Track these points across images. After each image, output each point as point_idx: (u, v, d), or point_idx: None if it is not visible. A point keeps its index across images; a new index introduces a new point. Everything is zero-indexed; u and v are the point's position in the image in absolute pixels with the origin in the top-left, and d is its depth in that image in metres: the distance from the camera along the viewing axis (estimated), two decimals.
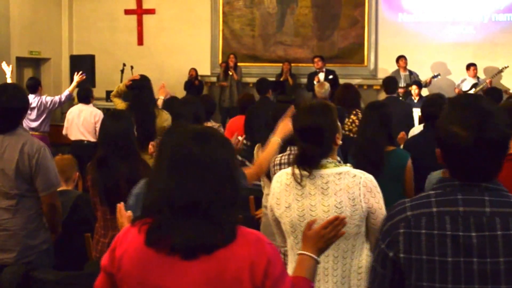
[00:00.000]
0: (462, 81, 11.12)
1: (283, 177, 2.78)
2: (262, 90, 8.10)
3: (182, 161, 1.83)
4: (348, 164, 2.73)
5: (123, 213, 2.58)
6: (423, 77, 10.99)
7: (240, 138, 4.45)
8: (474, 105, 1.84)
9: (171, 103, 5.81)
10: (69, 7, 14.17)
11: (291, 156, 3.52)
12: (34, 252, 3.66)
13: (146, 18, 13.85)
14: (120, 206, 2.63)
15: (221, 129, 6.18)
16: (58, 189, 4.31)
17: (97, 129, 7.97)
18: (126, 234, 1.90)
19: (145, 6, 13.83)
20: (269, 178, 4.39)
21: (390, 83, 8.22)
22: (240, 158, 5.48)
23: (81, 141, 8.15)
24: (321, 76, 11.24)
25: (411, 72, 11.05)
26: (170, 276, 1.81)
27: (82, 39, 14.14)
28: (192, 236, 1.77)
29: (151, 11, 13.79)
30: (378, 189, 2.67)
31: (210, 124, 6.05)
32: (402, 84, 10.60)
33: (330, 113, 2.72)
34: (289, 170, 2.78)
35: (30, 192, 3.63)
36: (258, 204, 4.81)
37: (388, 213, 1.93)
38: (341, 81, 10.96)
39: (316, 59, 11.44)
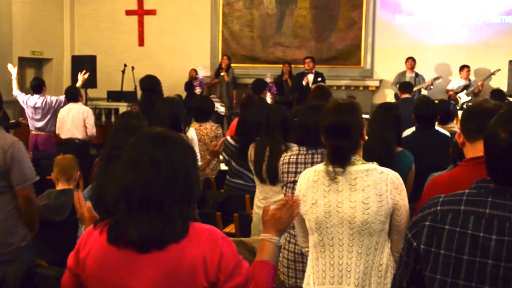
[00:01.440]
0: (454, 83, 11.19)
1: (311, 173, 2.83)
2: (258, 90, 8.14)
3: (138, 159, 1.92)
4: (374, 162, 2.78)
5: (83, 203, 2.52)
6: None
7: (219, 142, 4.49)
8: None
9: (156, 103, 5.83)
10: (70, 8, 14.19)
11: (300, 156, 3.58)
12: (12, 250, 3.64)
13: (147, 19, 13.88)
14: (79, 194, 2.56)
15: (220, 129, 6.22)
16: (60, 188, 4.41)
17: (87, 125, 8.06)
18: (89, 236, 1.99)
19: (146, 7, 13.87)
20: (272, 177, 4.47)
21: (403, 84, 8.35)
22: (226, 157, 5.54)
23: (72, 139, 8.18)
24: (310, 77, 11.21)
25: (417, 74, 11.09)
26: (127, 273, 1.90)
27: (83, 39, 14.17)
28: (145, 229, 1.86)
29: (152, 12, 13.83)
30: (404, 186, 2.72)
31: (209, 124, 6.10)
32: None
33: (356, 110, 2.80)
34: (317, 167, 2.83)
35: (6, 188, 3.59)
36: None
37: (422, 206, 1.99)
38: (336, 82, 11.04)
39: (307, 60, 11.37)
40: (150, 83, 5.71)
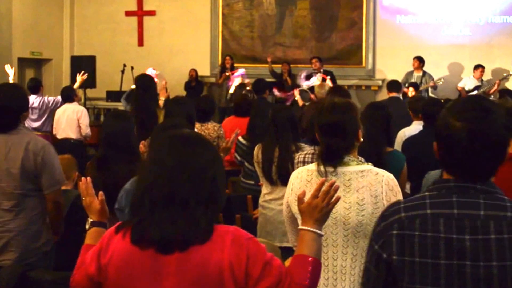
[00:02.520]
0: (465, 82, 11.12)
1: (304, 173, 2.81)
2: (259, 90, 8.14)
3: (164, 158, 1.89)
4: (370, 163, 2.76)
5: (91, 192, 2.40)
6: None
7: (231, 138, 4.44)
8: (474, 101, 1.84)
9: (166, 103, 5.82)
10: (70, 9, 14.19)
11: (315, 155, 3.54)
12: (35, 254, 3.62)
13: (146, 19, 13.87)
14: (88, 180, 2.44)
15: (221, 129, 6.18)
16: None
17: (81, 125, 8.15)
18: (111, 241, 1.92)
19: (146, 7, 13.86)
20: (283, 178, 4.39)
21: (391, 82, 8.31)
22: (239, 158, 5.50)
23: (67, 139, 8.23)
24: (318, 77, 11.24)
25: (424, 73, 11.03)
26: (150, 277, 1.84)
27: (83, 40, 14.16)
28: (168, 228, 1.80)
29: (151, 13, 13.81)
30: (399, 188, 2.71)
31: (210, 124, 6.06)
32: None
33: (352, 110, 2.79)
34: (310, 166, 2.82)
35: (34, 191, 3.59)
36: (256, 204, 4.83)
37: (382, 214, 1.90)
38: (339, 82, 10.99)
39: (314, 60, 11.41)
40: (146, 82, 5.67)
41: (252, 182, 5.37)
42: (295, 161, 3.69)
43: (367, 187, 2.64)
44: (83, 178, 2.49)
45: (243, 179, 5.50)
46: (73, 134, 8.25)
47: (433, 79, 10.93)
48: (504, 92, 8.91)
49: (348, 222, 2.65)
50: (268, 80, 10.24)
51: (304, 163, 3.57)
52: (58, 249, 4.11)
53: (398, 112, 5.28)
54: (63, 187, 4.34)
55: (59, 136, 8.34)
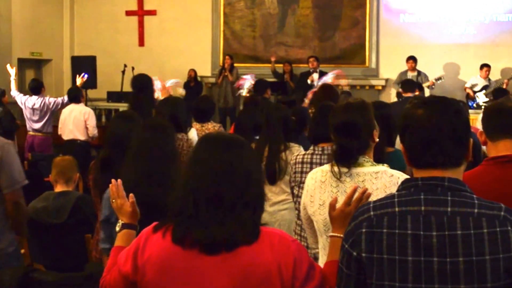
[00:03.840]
0: (473, 82, 11.07)
1: (318, 174, 2.78)
2: (260, 90, 8.13)
3: (205, 161, 1.88)
4: (385, 164, 2.73)
5: (122, 194, 2.40)
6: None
7: None
8: (436, 96, 1.94)
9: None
10: (70, 9, 14.17)
11: (315, 156, 3.52)
12: (2, 257, 3.48)
13: (147, 19, 13.85)
14: (118, 183, 2.44)
15: (222, 129, 6.16)
16: (59, 190, 4.33)
17: (88, 126, 8.14)
18: (149, 240, 1.90)
19: (146, 7, 13.84)
20: (270, 177, 4.38)
21: (405, 83, 8.27)
22: None
23: (74, 140, 8.21)
24: (315, 76, 11.16)
25: (419, 73, 11.02)
26: (194, 278, 1.83)
27: (83, 40, 14.14)
28: (215, 229, 1.79)
29: (152, 12, 13.79)
30: None
31: (210, 124, 6.03)
32: None
33: (366, 110, 2.76)
34: (324, 167, 2.79)
35: None
36: None
37: (353, 214, 1.95)
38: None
39: (311, 59, 11.43)
40: (141, 82, 5.63)
41: None
42: (292, 162, 3.66)
43: (382, 189, 2.60)
44: (113, 180, 2.46)
45: None
46: (81, 136, 8.22)
47: (428, 78, 10.88)
48: (499, 90, 8.85)
49: None
50: (269, 80, 10.24)
51: (302, 163, 3.56)
52: (59, 250, 4.09)
53: None
54: (65, 189, 4.33)
55: (65, 137, 8.31)
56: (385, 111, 4.23)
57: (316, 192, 2.75)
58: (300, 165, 3.58)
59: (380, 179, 2.63)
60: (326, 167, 2.77)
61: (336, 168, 2.67)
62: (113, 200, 2.43)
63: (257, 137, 5.12)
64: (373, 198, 2.55)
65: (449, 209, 1.79)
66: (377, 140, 2.78)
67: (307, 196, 2.80)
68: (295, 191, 3.61)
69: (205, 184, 1.84)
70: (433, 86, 10.81)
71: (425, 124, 1.83)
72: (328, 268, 2.03)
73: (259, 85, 8.35)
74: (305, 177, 3.48)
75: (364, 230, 1.84)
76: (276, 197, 4.33)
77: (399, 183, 2.54)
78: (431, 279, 1.76)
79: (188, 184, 1.87)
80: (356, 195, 2.16)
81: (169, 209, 1.91)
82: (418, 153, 1.86)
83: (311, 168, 3.47)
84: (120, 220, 2.40)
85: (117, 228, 2.39)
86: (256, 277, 1.80)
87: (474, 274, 1.74)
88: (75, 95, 8.37)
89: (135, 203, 2.37)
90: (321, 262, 2.75)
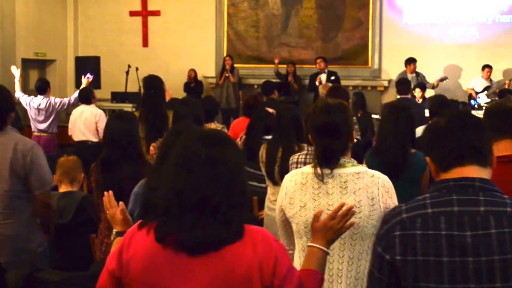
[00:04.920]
0: (475, 83, 11.08)
1: (298, 176, 2.77)
2: (268, 92, 8.17)
3: (191, 160, 1.86)
4: (363, 164, 2.75)
5: (114, 204, 2.47)
6: (430, 78, 10.96)
7: (239, 141, 4.46)
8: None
9: (173, 104, 5.80)
10: (74, 9, 14.19)
11: (308, 156, 3.53)
12: (29, 256, 3.58)
13: (151, 19, 13.86)
14: (110, 194, 2.50)
15: (225, 130, 6.17)
16: (63, 190, 4.35)
17: (99, 129, 8.07)
18: (133, 238, 1.91)
19: (150, 7, 13.85)
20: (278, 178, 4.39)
21: (403, 84, 8.27)
22: None
23: (85, 141, 8.19)
24: (323, 77, 11.26)
25: (418, 74, 11.02)
26: (177, 277, 1.83)
27: (87, 40, 14.16)
28: (200, 232, 1.79)
29: (156, 13, 13.80)
30: (394, 190, 2.69)
31: (213, 125, 6.03)
32: None
33: (346, 111, 2.77)
34: (304, 169, 2.78)
35: (24, 193, 3.54)
36: (262, 205, 4.82)
37: (384, 217, 1.96)
38: (344, 82, 11.01)
39: (318, 60, 11.47)
40: (155, 82, 5.64)
41: (255, 183, 5.36)
42: (289, 162, 3.67)
43: (364, 189, 2.62)
44: (105, 193, 2.52)
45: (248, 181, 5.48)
46: (92, 137, 8.19)
47: (425, 79, 10.88)
48: (505, 91, 8.88)
49: None
50: (273, 81, 10.26)
51: (297, 163, 3.58)
52: (64, 250, 4.11)
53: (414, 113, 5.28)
54: (69, 189, 4.36)
55: (76, 138, 8.29)
56: (410, 112, 4.23)
57: (296, 194, 2.73)
58: (295, 165, 3.60)
59: (362, 179, 2.63)
60: (306, 168, 2.77)
61: (319, 170, 2.67)
62: (107, 211, 2.49)
63: (265, 137, 5.16)
64: (355, 198, 2.61)
65: (482, 208, 1.81)
66: (355, 140, 2.80)
67: (286, 198, 2.77)
68: None
69: (190, 187, 1.83)
70: (437, 86, 10.82)
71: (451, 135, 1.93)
72: (307, 276, 2.05)
73: (266, 86, 8.38)
74: None
75: (397, 233, 1.86)
76: None
77: (380, 183, 2.62)
78: (467, 278, 1.78)
79: (173, 187, 1.86)
80: (342, 211, 2.20)
81: (155, 207, 1.92)
82: (447, 157, 1.91)
83: None
84: (114, 229, 2.46)
85: (112, 238, 2.44)
86: (237, 275, 1.81)
87: (510, 272, 1.76)
88: (86, 96, 8.36)
89: (124, 210, 2.42)
90: (299, 264, 2.74)
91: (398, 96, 8.49)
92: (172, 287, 1.84)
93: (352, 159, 2.74)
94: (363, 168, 2.70)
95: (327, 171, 2.66)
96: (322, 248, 2.16)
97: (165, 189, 1.89)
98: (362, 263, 2.64)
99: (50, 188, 3.66)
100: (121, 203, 2.42)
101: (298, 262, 2.77)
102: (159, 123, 5.14)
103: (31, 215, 3.62)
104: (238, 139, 4.81)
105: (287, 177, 2.84)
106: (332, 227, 2.18)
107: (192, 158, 1.86)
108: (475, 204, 1.83)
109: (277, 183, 4.43)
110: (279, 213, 2.85)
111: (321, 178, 2.66)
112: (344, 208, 2.20)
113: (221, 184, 1.83)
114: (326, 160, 2.67)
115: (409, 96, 8.40)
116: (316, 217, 2.22)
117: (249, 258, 1.82)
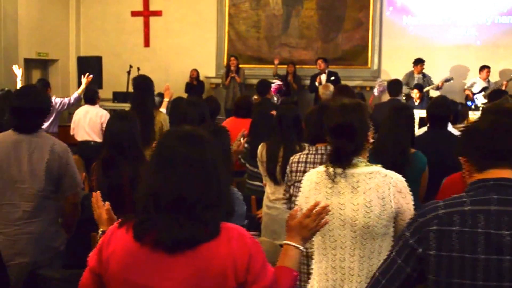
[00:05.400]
0: (472, 83, 11.10)
1: (314, 175, 2.79)
2: (263, 91, 8.18)
3: (168, 160, 1.88)
4: (379, 165, 2.75)
5: (101, 204, 2.50)
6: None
7: (242, 140, 4.50)
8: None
9: (179, 103, 5.83)
10: (76, 9, 14.22)
11: (309, 156, 3.54)
12: (52, 254, 3.67)
13: (152, 20, 13.89)
14: (97, 195, 2.54)
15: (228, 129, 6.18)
16: None
17: (104, 129, 8.07)
18: (113, 235, 1.94)
19: (152, 8, 13.88)
20: (279, 177, 4.44)
21: (394, 84, 8.27)
22: (242, 160, 5.52)
23: (88, 141, 8.16)
24: (323, 77, 11.27)
25: (424, 75, 11.03)
26: (155, 274, 1.85)
27: (89, 40, 14.20)
28: (176, 231, 1.81)
29: (157, 13, 13.83)
30: (409, 190, 2.68)
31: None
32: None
33: (362, 111, 2.75)
34: (320, 168, 2.79)
35: (53, 193, 3.64)
36: (260, 204, 4.85)
37: (419, 211, 1.98)
38: (344, 83, 10.99)
39: (319, 61, 11.47)
40: (144, 83, 5.67)
41: (258, 183, 5.40)
42: (289, 161, 3.69)
43: (375, 189, 2.63)
44: (93, 193, 2.56)
45: (249, 180, 5.52)
46: (96, 137, 8.16)
47: (432, 81, 10.91)
48: (497, 92, 8.87)
49: (355, 224, 2.64)
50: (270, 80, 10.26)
51: (298, 163, 3.59)
52: (66, 247, 4.15)
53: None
54: None
55: (79, 138, 8.28)
56: (410, 112, 4.25)
57: (311, 194, 2.76)
58: (296, 165, 3.62)
59: (373, 179, 2.64)
60: (321, 168, 2.78)
61: (330, 169, 2.69)
62: (94, 211, 2.54)
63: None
64: (366, 197, 2.62)
65: None
66: (372, 141, 2.80)
67: (303, 198, 2.81)
68: (291, 190, 3.64)
69: (166, 187, 1.85)
70: (441, 88, 10.83)
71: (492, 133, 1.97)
72: (281, 273, 2.06)
73: (262, 86, 8.38)
74: (300, 176, 3.52)
75: (433, 228, 1.88)
76: None
77: (392, 183, 2.62)
78: (501, 277, 1.81)
79: (150, 186, 1.88)
80: (317, 209, 2.21)
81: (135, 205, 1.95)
82: (486, 158, 1.95)
83: (305, 167, 3.54)
84: (100, 229, 2.52)
85: (97, 237, 2.49)
86: (212, 271, 1.83)
87: None
88: (92, 96, 8.35)
89: (110, 210, 2.46)
90: (316, 262, 2.80)
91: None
92: (150, 285, 1.86)
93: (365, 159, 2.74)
94: (376, 168, 2.69)
95: (339, 170, 2.68)
96: (297, 246, 2.17)
97: (143, 188, 1.90)
98: (373, 262, 2.65)
99: (80, 189, 3.79)
100: (107, 203, 2.46)
101: (315, 260, 2.81)
102: (147, 124, 5.15)
103: (57, 215, 3.72)
104: (241, 139, 4.83)
105: (305, 177, 2.87)
106: (307, 226, 2.19)
107: (169, 157, 1.88)
108: None
109: (278, 182, 4.46)
110: (298, 212, 2.88)
111: (332, 177, 2.68)
112: (318, 207, 2.21)
113: (197, 184, 1.85)
114: (338, 160, 2.67)
115: (400, 98, 8.37)
116: (292, 215, 2.24)
117: (224, 255, 1.83)
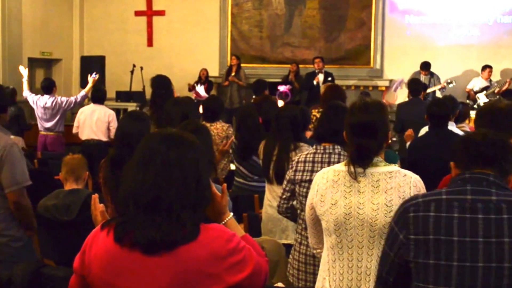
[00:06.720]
0: (475, 83, 11.11)
1: (330, 173, 2.77)
2: (258, 91, 8.20)
3: (149, 160, 1.89)
4: (396, 164, 2.76)
5: (98, 206, 2.50)
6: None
7: (228, 141, 4.51)
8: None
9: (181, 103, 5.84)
10: (80, 9, 14.25)
11: (317, 155, 3.51)
12: (7, 251, 3.62)
13: (155, 19, 13.92)
14: (95, 197, 2.53)
15: (231, 129, 6.19)
16: (68, 188, 4.40)
17: (111, 128, 8.04)
18: (96, 237, 1.95)
19: (155, 7, 13.91)
20: (278, 176, 4.43)
21: (416, 85, 8.27)
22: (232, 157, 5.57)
23: (92, 140, 8.19)
24: (321, 77, 11.26)
25: (432, 75, 11.03)
26: (134, 276, 1.86)
27: (92, 40, 14.23)
28: (153, 232, 1.82)
29: (161, 13, 13.86)
30: (425, 190, 2.66)
31: (219, 124, 6.09)
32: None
33: (384, 111, 2.76)
34: (336, 167, 2.78)
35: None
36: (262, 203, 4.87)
37: (402, 203, 2.18)
38: (346, 82, 11.04)
39: (316, 60, 11.44)
40: (164, 82, 5.68)
41: (241, 180, 5.41)
42: (295, 161, 3.65)
43: (396, 189, 2.62)
44: (92, 196, 2.56)
45: (235, 177, 5.52)
46: (103, 136, 8.20)
47: (440, 81, 10.93)
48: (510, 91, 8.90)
49: (375, 224, 2.62)
50: (275, 80, 10.28)
51: (305, 162, 3.53)
52: (69, 246, 4.16)
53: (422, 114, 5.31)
54: (74, 187, 4.39)
55: (84, 137, 8.29)
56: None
57: (327, 192, 2.73)
58: (302, 164, 3.56)
59: (394, 179, 2.63)
60: (338, 166, 2.77)
61: (352, 168, 2.67)
62: (91, 213, 2.54)
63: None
64: (386, 197, 2.62)
65: (494, 198, 1.98)
66: (390, 141, 2.81)
67: (317, 196, 2.77)
68: (296, 189, 3.57)
69: (144, 187, 1.86)
70: (444, 90, 10.83)
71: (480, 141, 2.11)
72: (248, 243, 2.02)
73: (258, 84, 8.39)
74: (306, 176, 3.49)
75: (412, 214, 2.06)
76: None
77: (412, 182, 2.63)
78: (476, 258, 1.92)
79: (130, 186, 1.89)
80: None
81: (114, 208, 1.98)
82: (470, 161, 2.08)
83: (312, 167, 3.48)
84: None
85: None
86: (192, 272, 1.82)
87: None
88: (100, 96, 8.39)
89: (104, 212, 2.46)
90: (326, 262, 2.77)
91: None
92: (128, 287, 1.87)
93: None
94: (395, 167, 2.69)
95: (360, 169, 2.66)
96: (233, 218, 2.17)
97: (124, 189, 1.92)
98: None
99: (22, 187, 3.65)
100: (101, 205, 2.46)
101: (326, 260, 2.78)
102: (164, 122, 5.19)
103: (6, 212, 3.65)
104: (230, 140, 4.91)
105: (319, 175, 2.84)
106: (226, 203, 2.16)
107: (149, 158, 1.90)
108: (488, 194, 1.98)
109: (271, 181, 4.47)
110: (309, 211, 2.86)
111: (354, 176, 2.66)
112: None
113: (175, 185, 1.85)
114: (360, 159, 2.67)
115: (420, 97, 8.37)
116: (218, 195, 2.16)
117: (202, 255, 1.83)
